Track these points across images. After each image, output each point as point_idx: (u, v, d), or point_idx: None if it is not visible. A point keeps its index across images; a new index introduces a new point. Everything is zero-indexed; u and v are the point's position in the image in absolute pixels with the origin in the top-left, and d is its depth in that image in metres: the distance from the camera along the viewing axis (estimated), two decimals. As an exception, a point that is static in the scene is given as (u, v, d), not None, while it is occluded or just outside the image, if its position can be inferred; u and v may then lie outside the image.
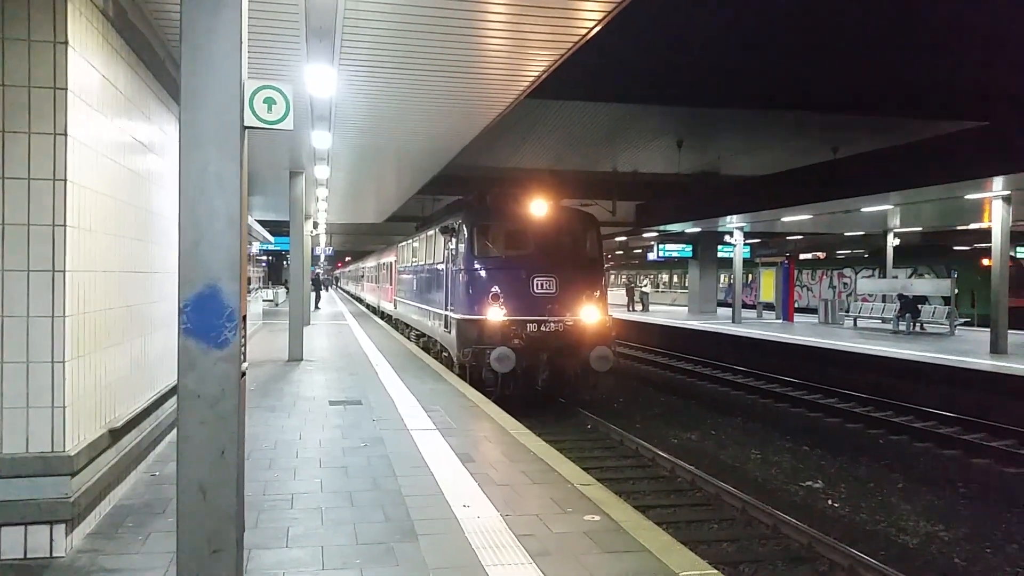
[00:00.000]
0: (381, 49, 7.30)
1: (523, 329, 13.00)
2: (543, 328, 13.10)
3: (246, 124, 3.91)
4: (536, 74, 8.15)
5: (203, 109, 3.77)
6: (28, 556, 4.45)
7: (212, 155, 3.78)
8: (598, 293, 13.82)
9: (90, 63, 4.87)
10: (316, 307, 34.46)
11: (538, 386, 13.16)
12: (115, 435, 5.42)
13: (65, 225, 4.47)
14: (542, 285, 13.26)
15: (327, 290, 54.93)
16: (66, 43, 4.44)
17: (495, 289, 13.22)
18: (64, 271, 4.47)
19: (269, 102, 4.04)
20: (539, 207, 14.02)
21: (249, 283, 14.51)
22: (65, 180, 4.46)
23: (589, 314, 13.38)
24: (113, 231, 5.45)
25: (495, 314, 13.02)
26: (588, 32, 6.77)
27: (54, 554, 4.49)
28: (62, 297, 4.47)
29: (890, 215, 23.80)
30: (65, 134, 4.45)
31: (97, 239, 5.06)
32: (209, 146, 3.77)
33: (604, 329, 13.51)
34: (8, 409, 4.41)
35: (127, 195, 5.83)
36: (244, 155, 3.88)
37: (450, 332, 14.27)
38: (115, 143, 5.50)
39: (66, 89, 4.45)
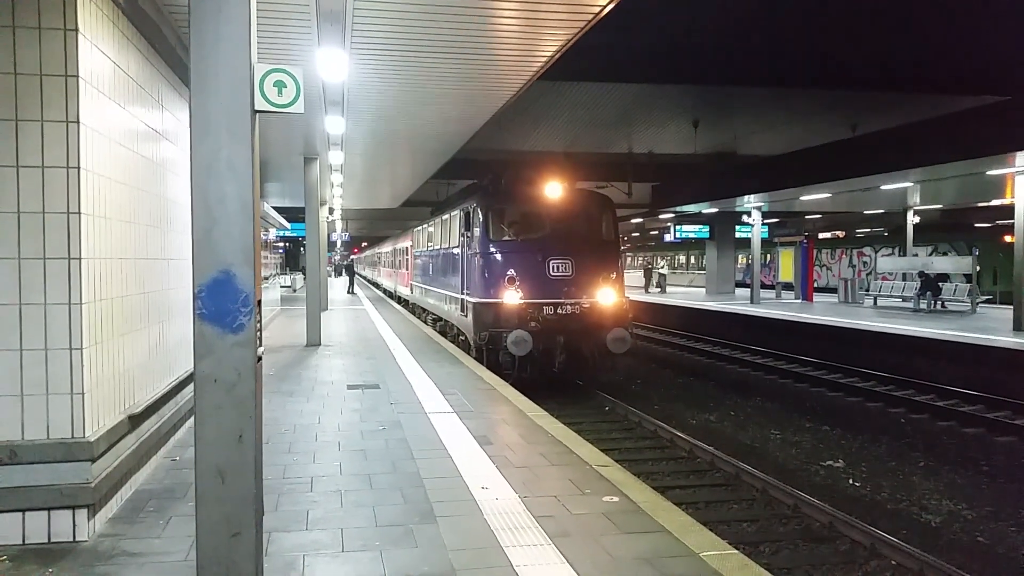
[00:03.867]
0: (393, 31, 7.25)
1: (539, 312, 12.98)
2: (560, 311, 13.08)
3: (256, 108, 3.88)
4: (549, 54, 8.07)
5: (213, 94, 3.74)
6: (52, 540, 4.51)
7: (223, 140, 3.76)
8: (614, 275, 13.75)
9: (101, 50, 4.86)
10: (351, 291, 36.98)
11: (555, 368, 13.15)
12: (134, 421, 5.47)
13: (80, 213, 4.48)
14: (558, 268, 13.23)
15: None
16: (76, 30, 4.43)
17: (511, 272, 13.20)
18: (80, 258, 4.49)
19: (279, 85, 4.00)
20: (554, 190, 13.96)
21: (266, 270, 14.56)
22: (79, 168, 4.46)
23: (606, 296, 13.34)
24: (128, 218, 5.47)
25: (511, 297, 13.01)
26: (602, 10, 6.68)
27: (77, 538, 4.55)
28: (78, 284, 4.49)
29: (910, 192, 23.48)
30: (77, 121, 4.45)
31: (112, 226, 5.07)
32: (220, 131, 3.75)
33: (621, 311, 13.46)
34: (28, 396, 4.45)
35: (141, 182, 5.84)
36: (255, 139, 3.86)
37: (466, 316, 14.27)
38: (128, 130, 5.50)
39: (77, 76, 4.44)
